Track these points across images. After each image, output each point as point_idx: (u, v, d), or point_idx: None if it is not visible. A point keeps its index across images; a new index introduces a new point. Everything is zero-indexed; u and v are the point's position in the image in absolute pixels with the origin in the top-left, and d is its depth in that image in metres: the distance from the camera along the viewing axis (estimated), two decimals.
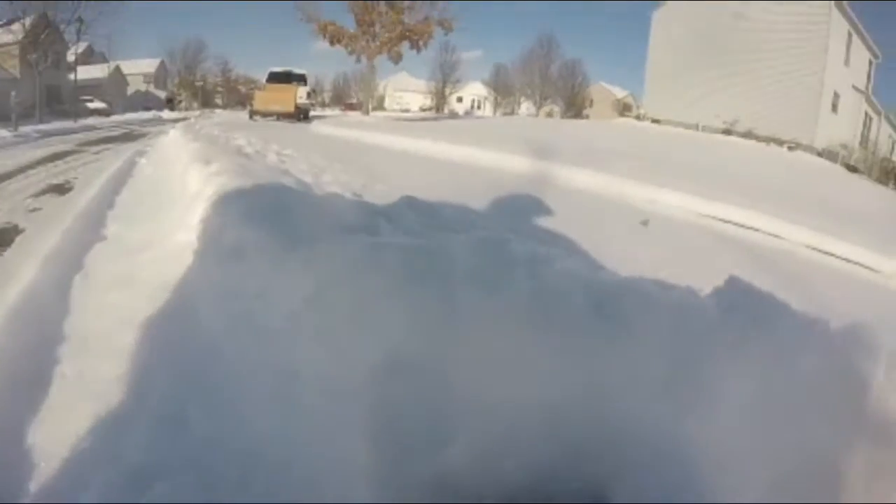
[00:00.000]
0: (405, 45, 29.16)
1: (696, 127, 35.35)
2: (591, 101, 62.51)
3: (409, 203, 4.99)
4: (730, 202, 9.41)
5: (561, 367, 1.76)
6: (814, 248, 8.09)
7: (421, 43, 29.23)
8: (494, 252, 2.16)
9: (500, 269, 2.04)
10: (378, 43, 28.82)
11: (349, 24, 29.17)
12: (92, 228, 5.37)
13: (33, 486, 1.96)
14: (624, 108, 55.47)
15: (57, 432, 2.23)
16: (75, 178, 9.86)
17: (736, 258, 6.54)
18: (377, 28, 28.75)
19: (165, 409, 2.22)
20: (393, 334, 1.90)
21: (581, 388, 1.71)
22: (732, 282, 1.84)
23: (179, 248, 3.88)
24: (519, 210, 6.49)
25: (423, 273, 2.10)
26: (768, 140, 33.07)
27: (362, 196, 5.82)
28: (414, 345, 1.84)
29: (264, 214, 3.11)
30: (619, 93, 62.38)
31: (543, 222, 5.90)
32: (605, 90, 63.23)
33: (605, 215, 8.07)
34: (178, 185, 6.44)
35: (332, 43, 29.25)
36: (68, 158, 13.29)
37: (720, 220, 8.73)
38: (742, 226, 8.68)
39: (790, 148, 32.48)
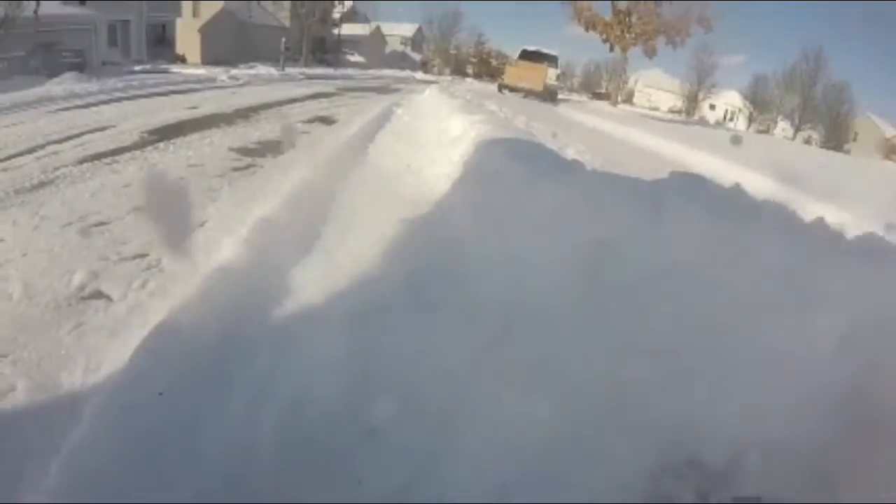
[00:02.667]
0: (661, 39, 28.35)
1: None
2: (856, 135, 56.23)
3: None
4: None
5: None
6: None
7: (678, 39, 28.22)
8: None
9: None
10: (633, 34, 28.26)
11: (606, 12, 28.92)
12: (354, 154, 6.08)
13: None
14: (891, 150, 49.49)
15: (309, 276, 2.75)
16: (338, 114, 10.97)
17: None
18: (633, 18, 28.20)
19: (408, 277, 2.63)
20: (607, 228, 2.32)
21: None
22: None
23: (435, 177, 4.36)
24: None
25: (642, 193, 2.52)
26: None
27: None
28: (622, 232, 2.24)
29: (521, 155, 3.46)
30: (890, 131, 55.43)
31: None
32: (872, 124, 56.41)
33: None
34: (434, 133, 7.00)
35: (586, 28, 29.10)
36: (331, 98, 14.76)
37: None
38: None
39: None
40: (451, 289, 2.41)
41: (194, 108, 10.03)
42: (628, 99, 56.84)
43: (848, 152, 48.98)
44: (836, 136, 55.13)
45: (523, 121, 10.47)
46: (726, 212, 2.20)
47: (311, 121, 9.74)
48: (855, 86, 64.55)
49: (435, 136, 6.52)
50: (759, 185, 10.59)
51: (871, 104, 69.53)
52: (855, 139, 55.67)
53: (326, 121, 9.90)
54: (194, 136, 7.18)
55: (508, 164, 3.19)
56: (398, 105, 12.81)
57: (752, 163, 12.35)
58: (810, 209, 9.61)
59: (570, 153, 7.29)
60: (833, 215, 9.75)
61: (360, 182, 4.52)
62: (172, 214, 2.90)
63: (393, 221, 3.29)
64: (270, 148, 6.82)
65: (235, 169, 5.62)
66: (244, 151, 6.49)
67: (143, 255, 3.24)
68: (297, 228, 3.31)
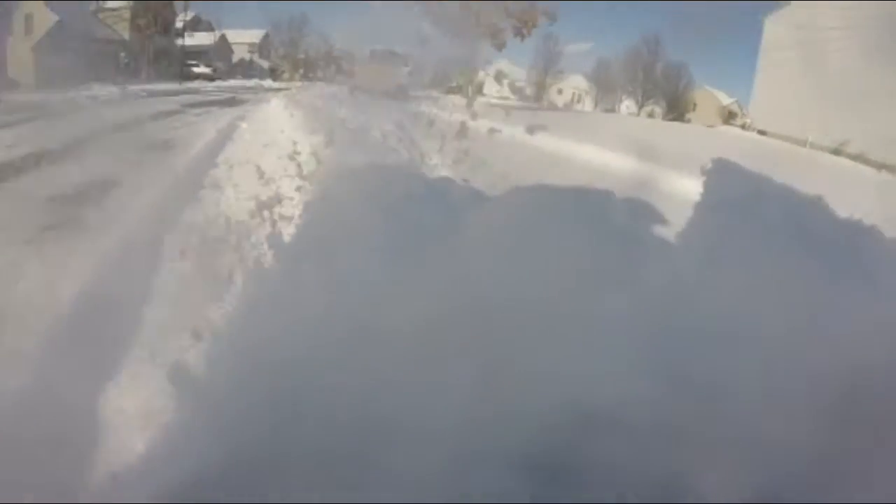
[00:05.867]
0: (509, 32, 28.85)
1: (805, 143, 33.43)
2: (695, 105, 59.91)
3: None
4: None
5: None
6: None
7: (525, 31, 28.86)
8: None
9: None
10: (482, 28, 28.57)
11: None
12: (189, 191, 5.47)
13: None
14: (729, 116, 53.10)
15: None
16: (177, 138, 10.11)
17: None
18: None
19: None
20: None
21: None
22: None
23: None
24: None
25: None
26: (880, 166, 30.86)
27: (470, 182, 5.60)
28: None
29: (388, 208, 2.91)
30: (725, 99, 59.56)
31: None
32: (709, 95, 60.28)
33: None
34: (275, 157, 6.41)
35: (436, 25, 29.17)
36: (173, 117, 13.67)
37: None
38: None
39: None
40: None
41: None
42: (478, 91, 57.36)
43: (689, 121, 52.04)
44: (677, 108, 58.36)
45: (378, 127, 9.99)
46: None
47: (149, 148, 8.82)
48: (692, 62, 68.55)
49: (276, 161, 5.92)
50: (620, 165, 10.78)
51: (708, 79, 74.07)
52: (694, 109, 59.22)
53: (167, 146, 9.04)
54: None
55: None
56: (242, 119, 12.02)
57: (608, 143, 12.54)
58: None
59: (434, 163, 6.85)
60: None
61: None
62: None
63: None
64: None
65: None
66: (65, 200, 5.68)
67: None
68: None
